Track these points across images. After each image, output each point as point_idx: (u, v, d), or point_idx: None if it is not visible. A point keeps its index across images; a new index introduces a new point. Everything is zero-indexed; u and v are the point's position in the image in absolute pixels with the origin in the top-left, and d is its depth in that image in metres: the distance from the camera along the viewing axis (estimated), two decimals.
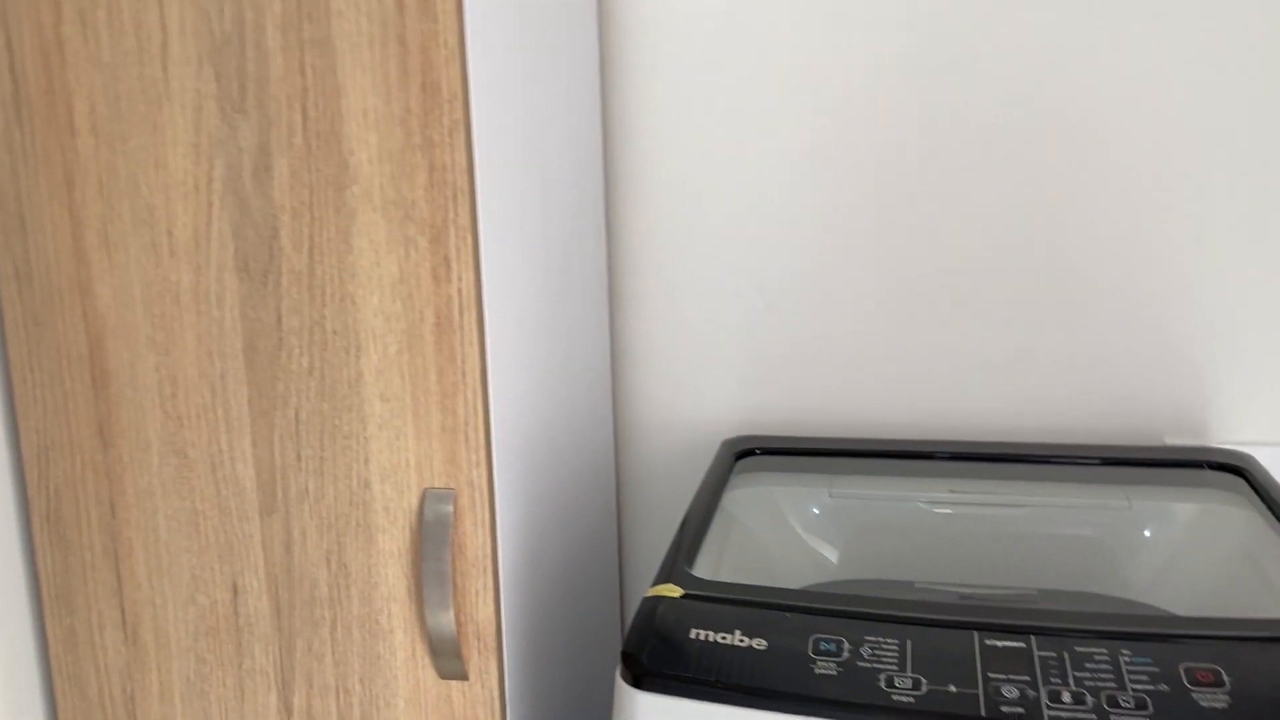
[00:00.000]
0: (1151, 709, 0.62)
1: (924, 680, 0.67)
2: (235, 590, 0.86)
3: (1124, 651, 0.67)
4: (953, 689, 0.66)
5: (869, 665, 0.68)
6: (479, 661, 0.83)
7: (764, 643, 0.71)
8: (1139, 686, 0.64)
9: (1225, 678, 0.64)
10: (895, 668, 0.68)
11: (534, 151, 0.92)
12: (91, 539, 0.89)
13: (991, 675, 0.66)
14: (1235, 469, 0.95)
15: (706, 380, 1.17)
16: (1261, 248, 1.01)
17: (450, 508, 0.81)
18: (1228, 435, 1.04)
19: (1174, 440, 1.05)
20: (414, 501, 0.82)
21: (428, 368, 0.80)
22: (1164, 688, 0.64)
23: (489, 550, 0.82)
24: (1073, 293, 1.06)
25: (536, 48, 0.92)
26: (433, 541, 0.81)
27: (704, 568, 0.85)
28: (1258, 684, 0.63)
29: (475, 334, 0.79)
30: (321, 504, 0.84)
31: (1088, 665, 0.66)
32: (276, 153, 0.79)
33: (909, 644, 0.70)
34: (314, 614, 0.85)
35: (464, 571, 0.82)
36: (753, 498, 1.02)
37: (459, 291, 0.78)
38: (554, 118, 0.98)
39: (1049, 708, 0.63)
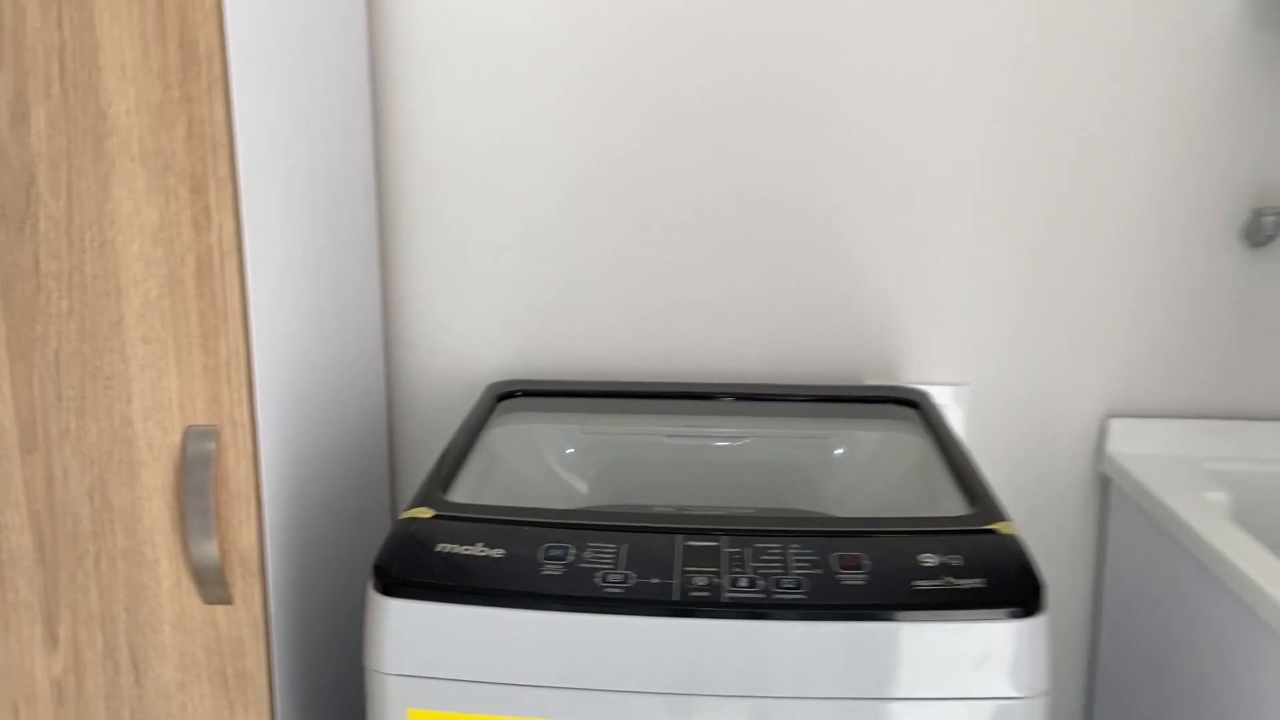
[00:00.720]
0: (807, 588, 0.77)
1: (633, 575, 0.79)
2: (5, 539, 0.89)
3: (792, 546, 0.82)
4: (655, 581, 0.79)
5: (589, 566, 0.80)
6: (243, 586, 0.90)
7: (502, 552, 0.82)
8: (799, 571, 0.79)
9: (865, 561, 0.80)
10: (610, 567, 0.80)
11: (298, 110, 0.97)
12: None
13: (687, 569, 0.80)
14: (913, 403, 1.14)
15: (475, 329, 1.26)
16: (945, 221, 1.20)
17: (212, 444, 0.87)
18: (912, 376, 1.23)
19: (871, 380, 1.24)
20: (177, 439, 0.87)
21: (189, 311, 0.85)
22: (818, 571, 0.79)
23: (252, 483, 0.88)
24: (792, 254, 1.22)
25: (302, 12, 0.97)
26: (195, 476, 0.86)
27: (460, 495, 0.94)
28: (889, 565, 0.80)
29: (236, 280, 0.84)
30: (84, 442, 0.87)
31: (763, 558, 0.81)
32: (34, 102, 0.81)
33: (624, 548, 0.82)
34: (77, 547, 0.89)
35: (227, 504, 0.88)
36: (512, 435, 1.12)
37: (219, 239, 0.84)
38: (319, 80, 1.03)
39: (728, 591, 0.77)
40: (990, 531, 0.84)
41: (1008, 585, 0.78)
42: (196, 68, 0.80)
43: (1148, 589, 1.12)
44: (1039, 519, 1.26)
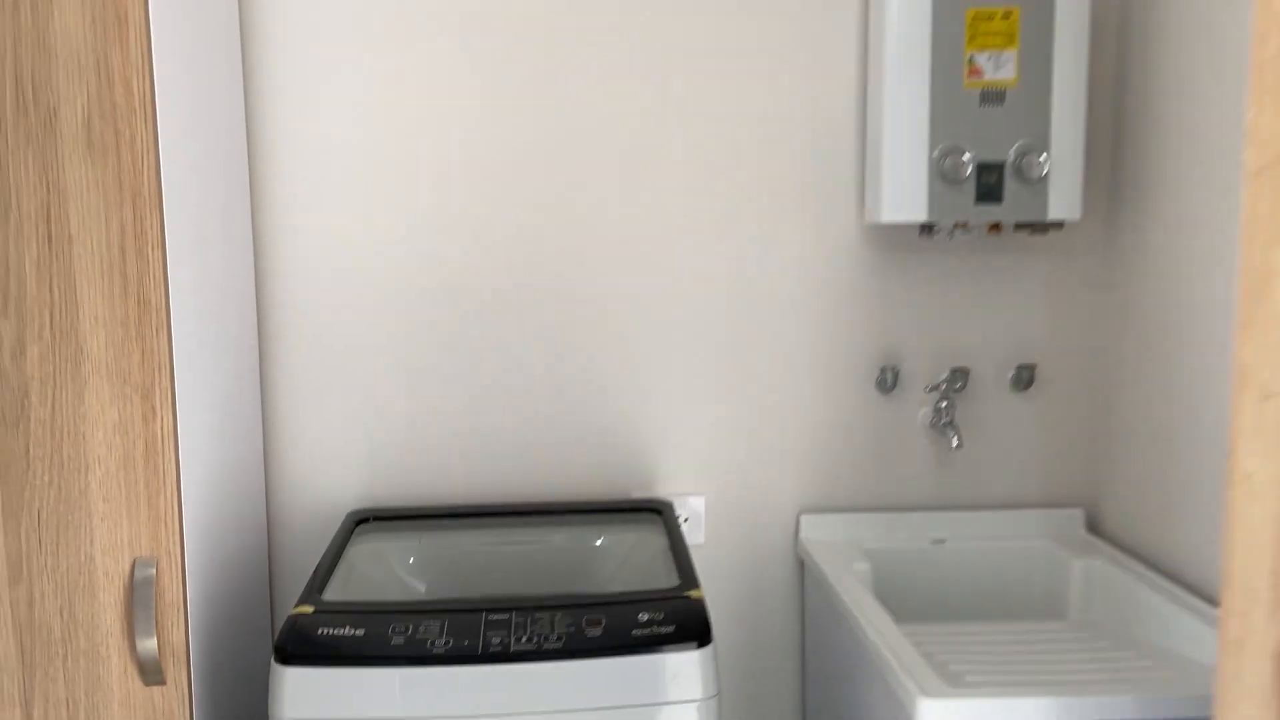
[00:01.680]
0: (565, 640, 1.21)
1: (451, 640, 1.21)
2: None
3: (558, 614, 1.26)
4: (466, 643, 1.21)
5: (421, 638, 1.22)
6: (174, 671, 1.26)
7: (362, 631, 1.22)
8: (561, 630, 1.23)
9: (603, 621, 1.24)
10: (436, 636, 1.22)
11: (216, 332, 1.38)
12: None
13: (488, 634, 1.22)
14: (659, 511, 1.61)
15: (336, 466, 1.66)
16: (681, 378, 1.69)
17: (153, 570, 1.24)
18: (668, 488, 1.71)
19: (636, 493, 1.70)
20: (126, 567, 1.24)
21: (137, 479, 1.23)
22: (573, 629, 1.23)
23: (181, 595, 1.26)
24: (576, 403, 1.68)
25: (212, 262, 1.39)
26: (140, 593, 1.23)
27: (331, 595, 1.34)
28: (619, 622, 1.24)
29: (173, 458, 1.24)
30: (57, 573, 1.23)
31: (539, 624, 1.24)
32: (30, 341, 1.20)
33: (446, 623, 1.24)
34: (50, 651, 1.24)
35: (163, 611, 1.25)
36: (367, 551, 1.53)
37: (160, 429, 1.23)
38: (231, 301, 1.44)
39: (514, 647, 1.20)
40: (685, 597, 1.30)
41: (689, 630, 1.24)
42: (149, 316, 1.21)
43: (825, 631, 1.60)
44: (757, 587, 1.74)
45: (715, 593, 1.75)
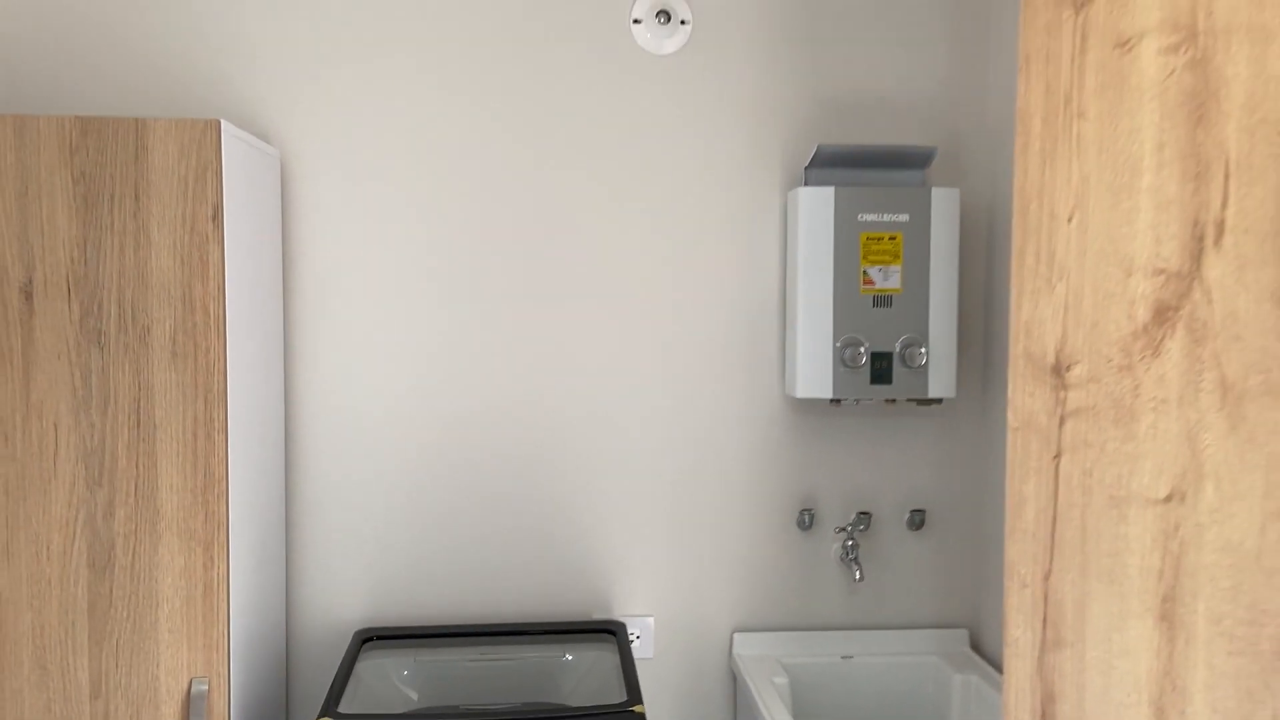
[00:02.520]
0: None
1: None
2: None
3: None
4: None
5: None
6: None
7: None
8: None
9: None
10: None
11: (257, 493, 1.72)
12: None
13: None
14: (612, 631, 1.94)
15: (346, 592, 1.98)
16: (633, 520, 2.04)
17: (205, 687, 1.56)
18: (622, 610, 2.04)
19: (596, 614, 2.03)
20: (184, 685, 1.56)
21: (197, 614, 1.56)
22: None
23: (225, 708, 1.57)
24: (553, 538, 2.02)
25: (256, 438, 1.74)
26: (195, 706, 1.55)
27: (344, 707, 1.65)
28: None
29: (224, 596, 1.56)
30: (130, 690, 1.54)
31: None
32: (118, 505, 1.53)
33: None
34: None
35: (212, 718, 1.56)
36: (371, 666, 1.84)
37: (216, 574, 1.56)
38: (265, 468, 1.78)
39: None
40: (630, 711, 1.63)
41: None
42: (213, 485, 1.55)
43: None
44: (698, 694, 2.07)
45: (662, 700, 2.07)
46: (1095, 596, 1.10)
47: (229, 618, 1.57)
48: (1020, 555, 1.21)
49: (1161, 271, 1.02)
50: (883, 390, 1.92)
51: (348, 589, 1.99)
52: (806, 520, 2.06)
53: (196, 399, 1.55)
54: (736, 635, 2.05)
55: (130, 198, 1.51)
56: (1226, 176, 0.96)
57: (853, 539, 2.04)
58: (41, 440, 1.52)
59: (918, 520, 2.07)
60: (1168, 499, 1.02)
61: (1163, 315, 1.03)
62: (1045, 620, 1.17)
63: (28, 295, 1.51)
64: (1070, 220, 1.13)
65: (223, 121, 1.53)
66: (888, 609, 2.09)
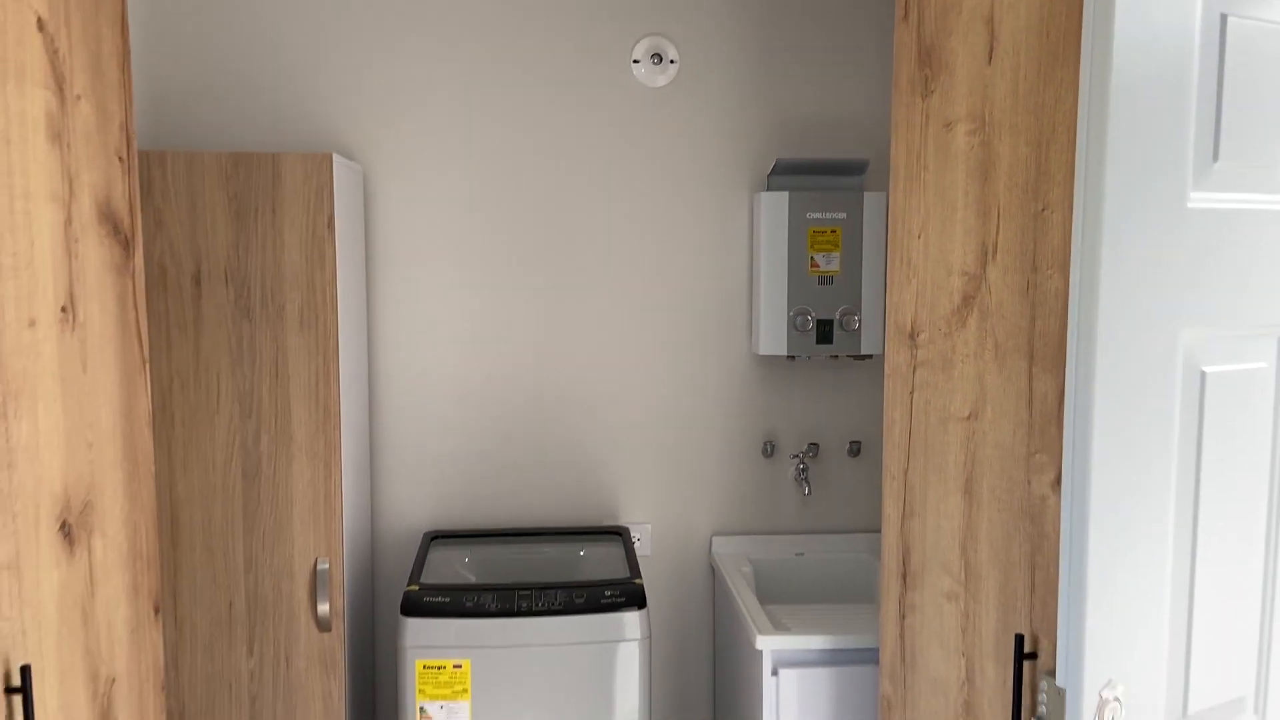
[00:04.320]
0: (563, 604, 2.14)
1: (493, 603, 2.13)
2: (231, 606, 2.14)
3: (557, 592, 2.18)
4: (508, 605, 2.13)
5: (482, 603, 2.14)
6: (336, 624, 2.17)
7: (448, 599, 2.14)
8: (557, 600, 2.15)
9: (584, 596, 2.17)
10: (491, 601, 2.14)
11: (354, 424, 2.30)
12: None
13: (519, 601, 2.14)
14: (619, 533, 2.54)
15: (417, 501, 2.58)
16: (643, 444, 2.62)
17: (326, 565, 2.16)
18: (627, 518, 2.64)
19: (605, 521, 2.63)
20: (311, 563, 2.16)
21: (320, 512, 2.15)
22: (566, 599, 2.15)
23: (343, 578, 2.17)
24: (572, 463, 2.61)
25: (354, 385, 2.32)
26: (320, 578, 2.15)
27: (425, 581, 2.26)
28: (593, 597, 2.17)
29: (338, 500, 2.16)
30: (273, 566, 2.14)
31: (545, 597, 2.16)
32: (263, 433, 2.12)
33: (495, 595, 2.16)
34: (265, 612, 2.15)
35: (332, 589, 2.16)
36: (439, 557, 2.45)
37: (333, 484, 2.15)
38: (359, 405, 2.37)
39: (534, 608, 2.13)
40: (632, 583, 2.23)
41: (633, 601, 2.17)
42: (330, 419, 2.13)
43: (723, 609, 2.53)
44: (683, 588, 2.67)
45: (658, 587, 2.68)
46: (931, 483, 1.70)
47: (341, 516, 2.17)
48: (891, 459, 1.79)
49: (966, 273, 1.61)
50: (826, 348, 2.50)
51: (417, 501, 2.59)
52: (769, 449, 2.65)
53: (317, 357, 2.13)
54: (714, 538, 2.65)
55: (269, 211, 2.08)
56: (999, 216, 1.54)
57: (804, 464, 2.63)
58: (208, 386, 2.10)
59: (855, 449, 2.66)
60: (968, 417, 1.61)
61: (967, 302, 1.61)
62: (904, 501, 1.77)
63: (197, 282, 2.08)
64: (919, 237, 1.70)
65: (333, 154, 2.09)
66: (831, 517, 2.69)
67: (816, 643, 2.09)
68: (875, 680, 2.09)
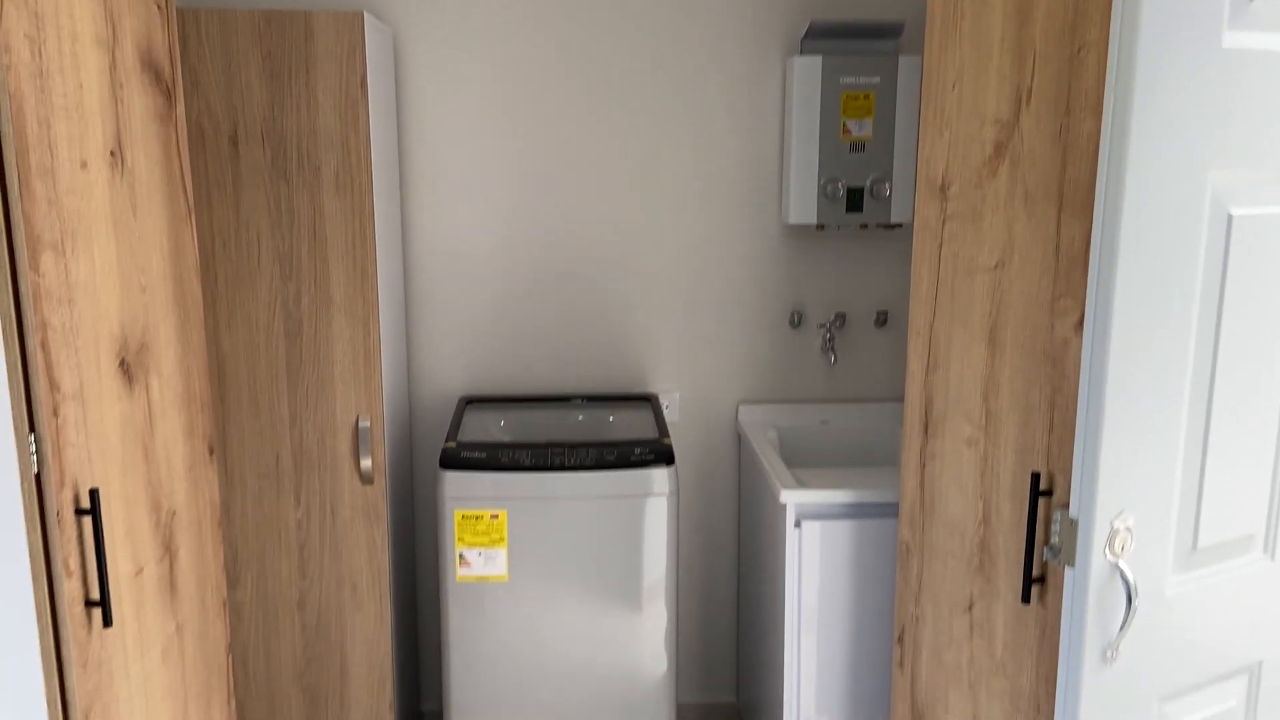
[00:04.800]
0: (595, 462, 2.22)
1: (534, 460, 2.22)
2: (278, 459, 2.23)
3: (589, 449, 2.26)
4: (543, 461, 2.21)
5: (519, 458, 2.22)
6: (378, 478, 2.27)
7: (484, 454, 2.23)
8: (594, 457, 2.23)
9: (615, 453, 2.24)
10: (526, 457, 2.22)
11: (389, 287, 2.36)
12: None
13: (554, 457, 2.23)
14: (649, 399, 2.61)
15: (453, 367, 2.66)
16: (672, 313, 2.67)
17: (368, 422, 2.24)
18: (657, 386, 2.71)
19: (636, 389, 2.70)
20: (353, 420, 2.24)
21: (360, 371, 2.23)
22: (598, 455, 2.23)
23: (383, 436, 2.26)
24: (604, 332, 2.67)
25: (389, 248, 2.36)
26: (361, 434, 2.24)
27: (461, 437, 2.34)
28: (625, 453, 2.24)
29: (377, 359, 2.23)
30: (316, 421, 2.23)
31: (578, 454, 2.24)
32: (303, 293, 2.18)
33: (530, 452, 2.25)
34: (310, 465, 2.25)
35: (374, 444, 2.26)
36: (474, 419, 2.53)
37: (372, 343, 2.22)
38: (393, 268, 2.42)
39: (568, 463, 2.21)
40: (661, 442, 2.30)
41: (662, 458, 2.24)
42: (367, 280, 2.19)
43: (749, 470, 2.61)
44: (710, 453, 2.75)
45: (686, 453, 2.76)
46: (956, 335, 1.73)
47: (381, 375, 2.24)
48: (917, 313, 1.83)
49: (999, 121, 1.61)
50: (856, 217, 2.51)
51: (452, 367, 2.66)
52: (796, 320, 2.68)
53: (353, 219, 2.17)
54: (741, 406, 2.71)
55: (303, 71, 2.10)
56: (1034, 60, 1.53)
57: (831, 334, 2.67)
58: (249, 246, 2.16)
59: (882, 319, 2.69)
60: (995, 267, 1.63)
61: (999, 151, 1.62)
62: (929, 354, 1.81)
63: (234, 142, 2.12)
64: (954, 88, 1.70)
65: (364, 13, 2.09)
66: (856, 386, 2.74)
67: (838, 497, 2.16)
68: (894, 532, 2.17)
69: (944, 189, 1.72)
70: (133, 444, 1.53)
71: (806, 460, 2.68)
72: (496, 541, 2.21)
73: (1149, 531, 1.40)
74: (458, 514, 2.20)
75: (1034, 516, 1.49)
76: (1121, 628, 1.38)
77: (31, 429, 1.33)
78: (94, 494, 1.40)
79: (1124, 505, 1.37)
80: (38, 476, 1.34)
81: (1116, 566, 1.38)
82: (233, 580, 2.29)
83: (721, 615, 2.84)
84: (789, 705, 2.24)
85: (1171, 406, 1.39)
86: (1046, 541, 1.49)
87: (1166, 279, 1.34)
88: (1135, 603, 1.37)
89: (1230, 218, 1.37)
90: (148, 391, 1.57)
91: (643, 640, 2.28)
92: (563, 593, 2.24)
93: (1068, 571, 1.40)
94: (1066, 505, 1.44)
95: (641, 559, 2.25)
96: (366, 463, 2.25)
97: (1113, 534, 1.37)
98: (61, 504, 1.35)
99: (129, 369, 1.52)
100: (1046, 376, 1.50)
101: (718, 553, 2.82)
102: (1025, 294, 1.54)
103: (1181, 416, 1.40)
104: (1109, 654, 1.40)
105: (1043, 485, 1.50)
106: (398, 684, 2.43)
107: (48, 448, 1.33)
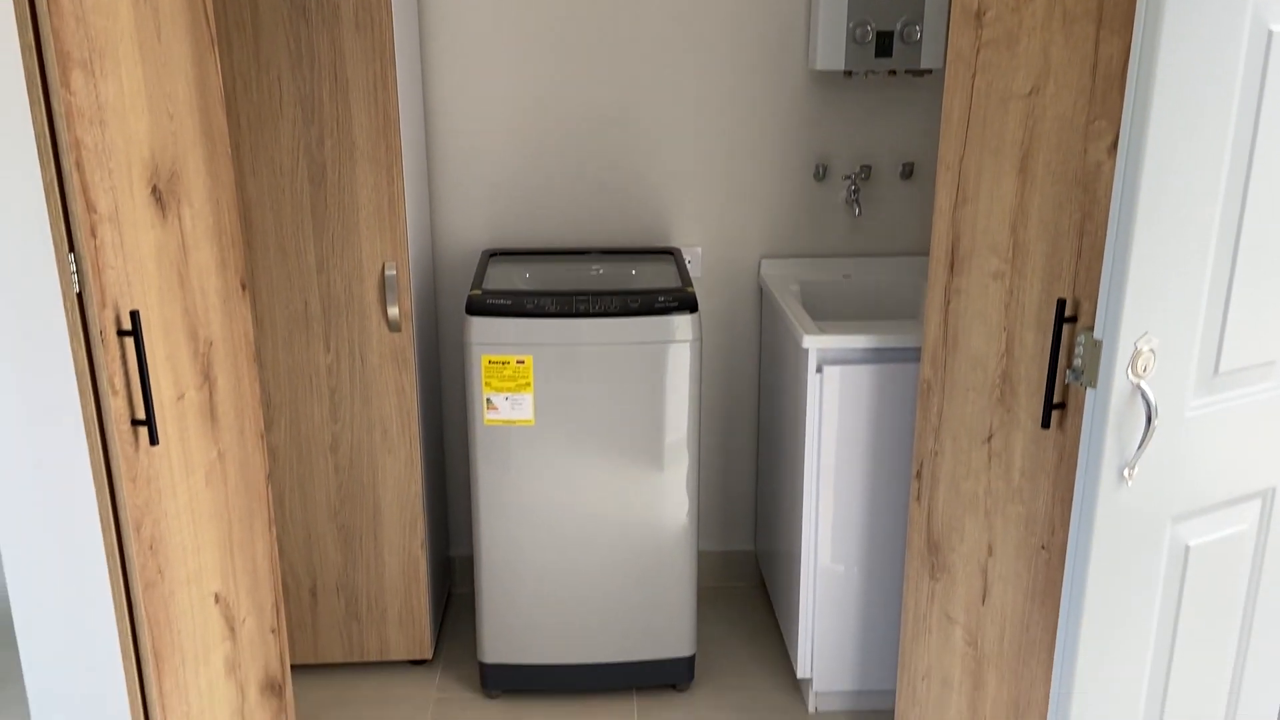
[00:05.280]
0: (619, 309, 2.24)
1: (559, 306, 2.24)
2: (306, 306, 2.27)
3: (613, 298, 2.28)
4: (568, 307, 2.24)
5: (544, 304, 2.24)
6: (405, 325, 2.30)
7: (510, 301, 2.25)
8: (618, 304, 2.25)
9: (639, 300, 2.26)
10: (551, 304, 2.24)
11: (412, 134, 2.34)
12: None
13: (578, 305, 2.25)
14: (671, 253, 2.61)
15: (476, 222, 2.66)
16: (696, 165, 2.65)
17: (395, 271, 2.26)
18: (678, 240, 2.71)
19: (658, 243, 2.70)
20: (379, 267, 2.26)
21: (385, 217, 2.23)
22: (623, 303, 2.25)
23: (409, 284, 2.28)
24: (626, 186, 2.65)
25: (409, 95, 2.34)
26: (389, 281, 2.26)
27: (485, 285, 2.36)
28: (650, 300, 2.26)
29: (402, 206, 2.23)
30: (344, 268, 2.25)
31: (601, 301, 2.26)
32: (326, 138, 2.17)
33: (555, 299, 2.27)
34: (339, 311, 2.28)
35: (400, 291, 2.28)
36: (498, 271, 2.55)
37: (395, 190, 2.22)
38: (414, 117, 2.39)
39: (589, 309, 2.23)
40: (684, 290, 2.31)
41: (686, 305, 2.26)
42: (390, 124, 2.17)
43: (771, 320, 2.63)
44: (733, 305, 2.77)
45: (708, 304, 2.77)
46: (986, 167, 1.72)
47: (406, 222, 2.25)
48: (947, 147, 1.81)
49: None
50: (885, 62, 2.45)
51: (475, 221, 2.67)
52: (820, 172, 2.66)
53: (374, 60, 2.14)
54: (763, 260, 2.72)
55: None
56: None
57: (855, 186, 2.64)
58: (270, 88, 2.14)
59: (908, 170, 2.66)
60: (1030, 93, 1.61)
61: None
62: (957, 189, 1.79)
63: None
64: None
65: None
66: (880, 240, 2.73)
67: (860, 342, 2.18)
68: (913, 377, 2.20)
69: (979, 15, 1.67)
70: (169, 271, 1.55)
71: (828, 314, 2.70)
72: (523, 386, 2.26)
73: (1172, 354, 1.41)
74: (484, 359, 2.24)
75: (1057, 343, 1.51)
76: (1140, 446, 1.41)
77: (71, 249, 1.35)
78: (134, 315, 1.43)
79: (1148, 327, 1.38)
80: (79, 297, 1.37)
81: (1138, 387, 1.40)
82: (267, 423, 2.35)
83: (742, 466, 2.91)
84: (806, 553, 2.31)
85: (1201, 229, 1.38)
86: (1069, 366, 1.51)
87: (1203, 96, 1.32)
88: (1155, 423, 1.40)
89: (1270, 34, 1.34)
90: (180, 221, 1.59)
91: (666, 485, 2.35)
92: (587, 438, 2.30)
93: (1089, 393, 1.42)
94: (1091, 329, 1.45)
95: (664, 406, 2.29)
96: (394, 310, 2.28)
97: (1136, 355, 1.38)
98: (104, 323, 1.39)
99: (161, 196, 1.53)
100: (1077, 202, 1.49)
101: (738, 404, 2.86)
102: (1059, 118, 1.51)
103: (1210, 240, 1.40)
104: (1126, 473, 1.43)
105: (1068, 312, 1.51)
106: (428, 526, 2.52)
107: (88, 267, 1.36)
